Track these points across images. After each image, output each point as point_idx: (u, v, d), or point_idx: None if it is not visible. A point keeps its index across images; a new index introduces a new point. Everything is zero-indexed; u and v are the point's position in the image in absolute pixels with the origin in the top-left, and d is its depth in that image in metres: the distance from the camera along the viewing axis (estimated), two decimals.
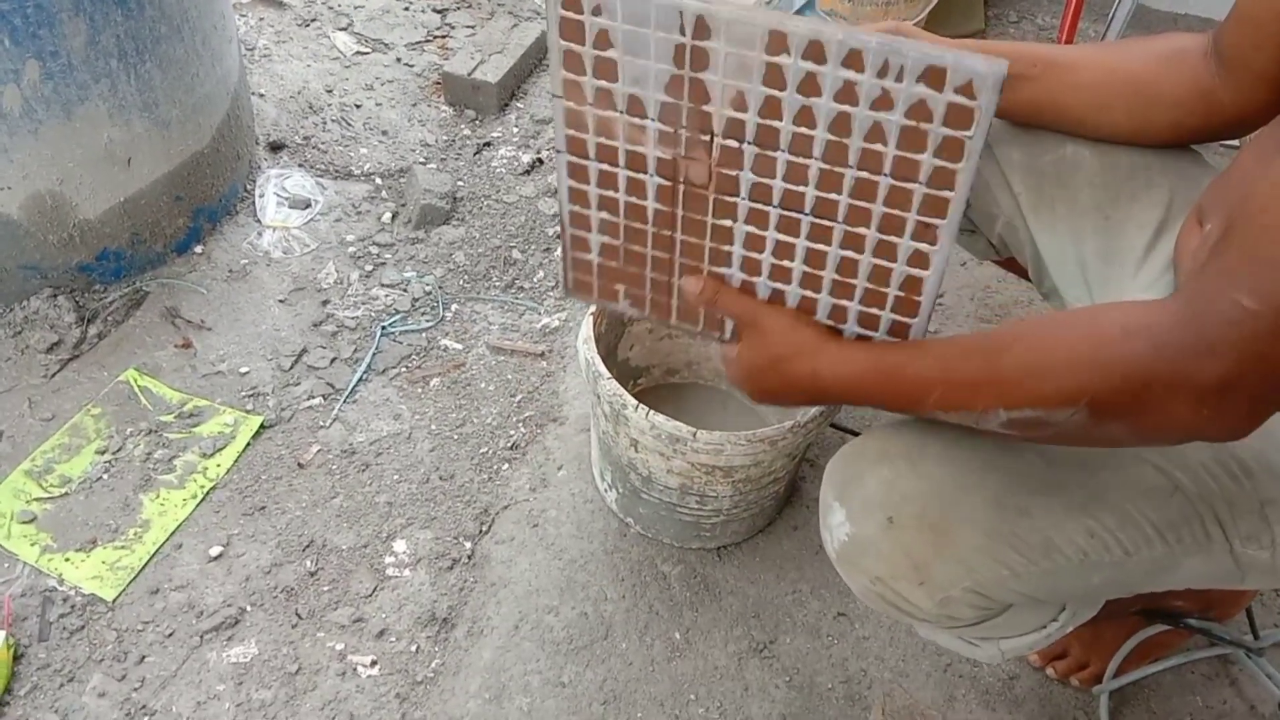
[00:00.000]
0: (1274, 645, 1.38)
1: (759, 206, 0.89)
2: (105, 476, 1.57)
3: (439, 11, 2.70)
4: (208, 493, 1.56)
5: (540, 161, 2.28)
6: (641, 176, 0.93)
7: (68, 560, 1.46)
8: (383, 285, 1.92)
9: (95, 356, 1.73)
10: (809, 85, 0.79)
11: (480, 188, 2.19)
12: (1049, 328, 0.77)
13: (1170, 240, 1.05)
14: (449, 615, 1.45)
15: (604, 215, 0.97)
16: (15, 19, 1.45)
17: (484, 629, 1.40)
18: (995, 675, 1.37)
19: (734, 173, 0.88)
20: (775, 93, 0.80)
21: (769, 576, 1.45)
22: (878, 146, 0.80)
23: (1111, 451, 0.87)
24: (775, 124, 0.83)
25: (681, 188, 0.92)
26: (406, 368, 1.79)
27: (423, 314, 1.89)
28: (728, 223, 0.92)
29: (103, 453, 1.59)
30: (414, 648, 1.41)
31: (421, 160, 2.23)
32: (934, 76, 0.74)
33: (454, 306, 1.91)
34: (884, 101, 0.77)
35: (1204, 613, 1.35)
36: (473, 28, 2.66)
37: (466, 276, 1.97)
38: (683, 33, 0.81)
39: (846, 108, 0.79)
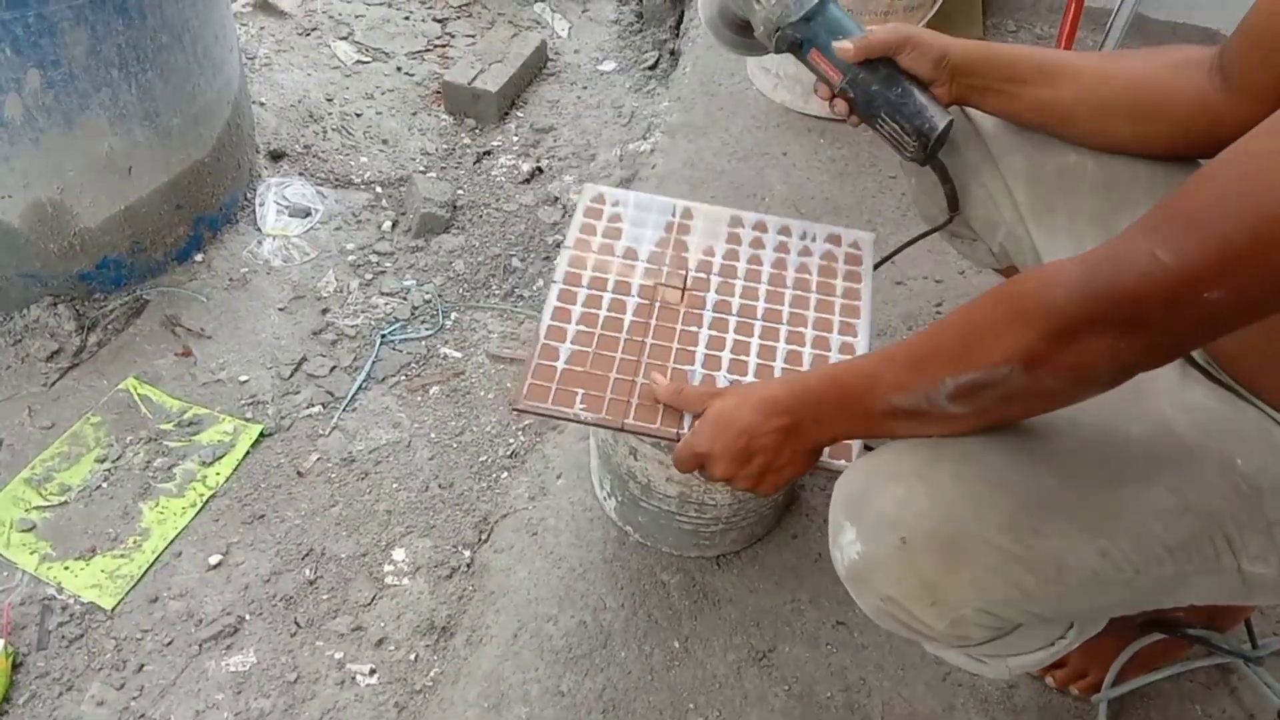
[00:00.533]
0: (1272, 654, 1.38)
1: (720, 316, 1.24)
2: (105, 485, 1.57)
3: (439, 21, 2.71)
4: (207, 501, 1.56)
5: (540, 170, 2.29)
6: (625, 298, 1.25)
7: (67, 568, 1.46)
8: (382, 293, 1.93)
9: (95, 365, 1.74)
10: (757, 243, 1.32)
11: (480, 196, 2.19)
12: (978, 298, 0.80)
13: None
14: (448, 624, 1.45)
15: (581, 328, 1.21)
16: (17, 28, 1.45)
17: (483, 638, 1.40)
18: (994, 684, 1.37)
19: (702, 294, 1.26)
20: (734, 247, 1.32)
21: (768, 585, 1.45)
22: (805, 275, 1.29)
23: (1125, 471, 0.87)
24: (734, 264, 1.30)
25: (657, 305, 1.25)
26: (406, 376, 1.79)
27: (422, 322, 1.89)
28: (694, 328, 1.22)
29: (102, 461, 1.59)
30: (413, 656, 1.41)
31: (421, 169, 2.23)
32: (834, 239, 1.33)
33: (453, 315, 1.91)
34: (806, 251, 1.32)
35: (1206, 625, 1.35)
36: (473, 37, 2.67)
37: (466, 285, 1.98)
38: (674, 215, 1.35)
39: (782, 255, 1.31)
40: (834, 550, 0.92)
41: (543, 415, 1.16)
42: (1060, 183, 1.13)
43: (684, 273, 1.28)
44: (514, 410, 1.16)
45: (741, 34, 1.24)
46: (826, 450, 1.02)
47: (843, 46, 1.11)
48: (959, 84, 1.11)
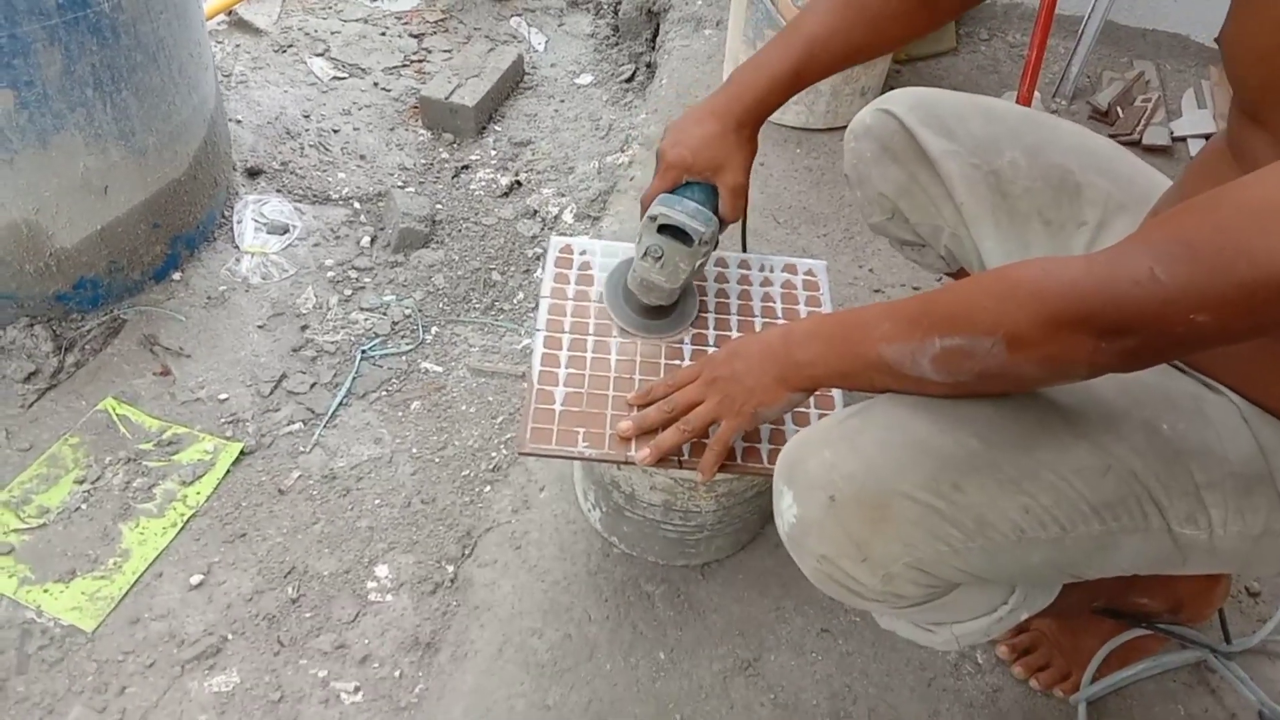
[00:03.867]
0: (1248, 651, 1.39)
1: (699, 348, 1.29)
2: (84, 506, 1.56)
3: (415, 36, 2.72)
4: (188, 521, 1.55)
5: (519, 183, 2.29)
6: (607, 339, 1.28)
7: (46, 591, 1.45)
8: (362, 309, 1.92)
9: (73, 385, 1.72)
10: (721, 278, 1.40)
11: (459, 210, 2.19)
12: (978, 275, 0.84)
13: (1111, 238, 1.11)
14: (432, 640, 1.44)
15: (570, 370, 1.24)
16: None
17: (468, 653, 1.40)
18: (979, 688, 1.38)
19: None
20: (700, 283, 1.37)
21: (752, 594, 1.46)
22: (770, 304, 1.37)
23: (1046, 433, 0.91)
24: (703, 298, 1.35)
25: (639, 342, 1.29)
26: (387, 391, 1.79)
27: (403, 337, 1.89)
28: (677, 361, 1.27)
29: (81, 482, 1.58)
30: (397, 673, 1.41)
31: (400, 184, 2.23)
32: (791, 268, 1.42)
33: (434, 329, 1.91)
34: (767, 282, 1.40)
35: (1173, 613, 1.37)
36: (449, 52, 2.68)
37: (446, 299, 1.98)
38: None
39: (746, 286, 1.39)
40: (777, 518, 0.97)
41: (549, 456, 1.18)
42: (996, 185, 1.19)
43: None
44: (521, 454, 1.21)
45: (655, 315, 1.30)
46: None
47: (733, 216, 1.23)
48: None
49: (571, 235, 2.12)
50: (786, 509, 0.94)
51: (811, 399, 1.19)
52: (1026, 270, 0.79)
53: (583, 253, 1.40)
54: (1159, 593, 1.34)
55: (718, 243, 1.21)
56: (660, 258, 1.17)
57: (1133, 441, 0.91)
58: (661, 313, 1.29)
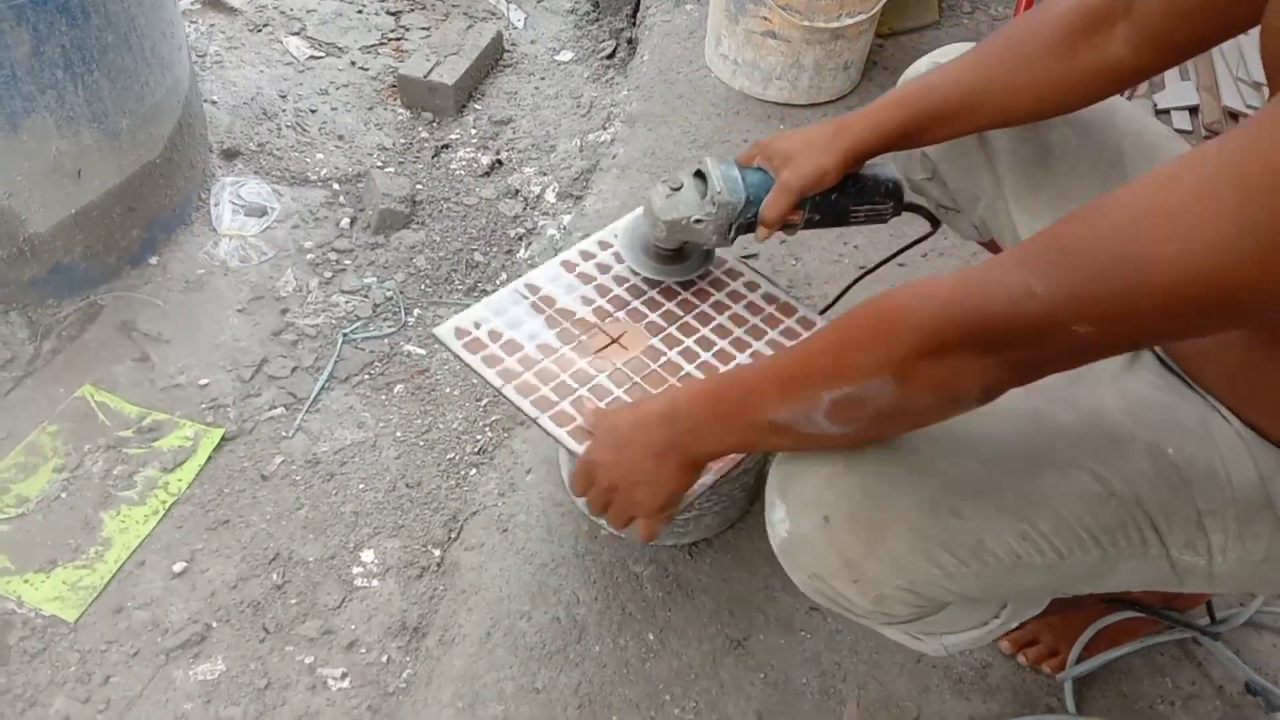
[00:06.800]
0: (1238, 627, 1.40)
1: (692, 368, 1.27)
2: (64, 495, 1.54)
3: (393, 14, 2.68)
4: (170, 508, 1.53)
5: (500, 162, 2.27)
6: (593, 374, 1.23)
7: (27, 582, 1.43)
8: (343, 292, 1.90)
9: (50, 372, 1.70)
10: (718, 283, 1.35)
11: (440, 190, 2.17)
12: (853, 310, 0.80)
13: None
14: (419, 624, 1.43)
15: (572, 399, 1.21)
16: None
17: (455, 637, 1.39)
18: (968, 665, 1.38)
19: (639, 326, 1.29)
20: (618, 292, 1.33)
21: (741, 573, 1.45)
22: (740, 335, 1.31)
23: (1049, 458, 0.88)
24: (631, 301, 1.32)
25: (629, 354, 1.27)
26: (369, 375, 1.77)
27: (384, 320, 1.87)
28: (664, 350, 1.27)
29: (61, 470, 1.56)
30: (385, 658, 1.40)
31: (379, 164, 2.21)
32: (787, 309, 1.34)
33: (416, 311, 1.89)
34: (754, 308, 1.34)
35: (1166, 605, 1.37)
36: (427, 29, 2.64)
37: (428, 280, 1.96)
38: (528, 295, 1.30)
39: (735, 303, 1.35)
40: (768, 529, 0.95)
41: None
42: (1043, 160, 1.13)
43: (604, 322, 1.30)
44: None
45: (669, 261, 1.27)
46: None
47: (769, 215, 1.13)
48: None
49: (553, 215, 2.11)
50: (779, 522, 0.92)
51: None
52: (896, 299, 0.75)
53: (476, 325, 1.27)
54: (1152, 591, 1.34)
55: (733, 226, 1.15)
56: (675, 190, 1.14)
57: (1138, 465, 0.88)
58: (662, 258, 1.27)
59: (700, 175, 1.14)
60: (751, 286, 1.37)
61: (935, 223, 1.25)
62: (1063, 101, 1.04)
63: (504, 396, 1.19)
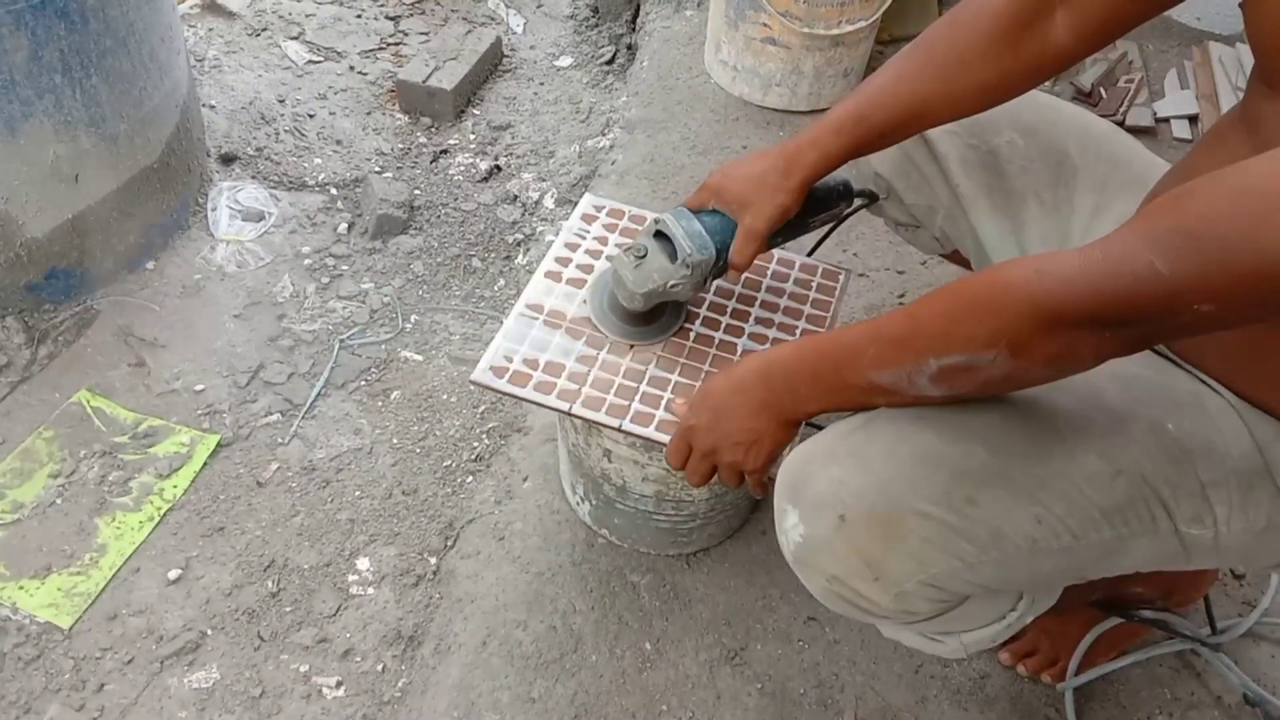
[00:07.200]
0: (1237, 638, 1.39)
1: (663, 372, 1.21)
2: (59, 501, 1.53)
3: (392, 18, 2.68)
4: (165, 514, 1.53)
5: (498, 168, 2.27)
6: (645, 366, 1.21)
7: (21, 588, 1.43)
8: (340, 297, 1.90)
9: (46, 378, 1.69)
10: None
11: (438, 196, 2.17)
12: (966, 279, 0.80)
13: (1108, 220, 1.09)
14: (415, 633, 1.43)
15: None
16: None
17: (451, 646, 1.38)
18: (966, 675, 1.37)
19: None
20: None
21: (738, 583, 1.45)
22: (769, 315, 1.28)
23: (1055, 441, 0.89)
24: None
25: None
26: (366, 381, 1.76)
27: (382, 326, 1.86)
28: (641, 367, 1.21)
29: (56, 476, 1.56)
30: (380, 667, 1.39)
31: (377, 169, 2.20)
32: (809, 269, 1.33)
33: (413, 317, 1.89)
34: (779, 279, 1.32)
35: (1163, 599, 1.36)
36: (426, 34, 2.64)
37: (426, 286, 1.95)
38: (535, 316, 1.25)
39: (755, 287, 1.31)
40: (780, 536, 0.94)
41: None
42: (994, 165, 1.16)
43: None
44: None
45: (638, 321, 1.23)
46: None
47: (739, 262, 1.12)
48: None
49: (551, 221, 2.10)
50: (791, 528, 0.91)
51: None
52: (1018, 273, 0.75)
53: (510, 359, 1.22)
54: (1153, 581, 1.34)
55: (707, 279, 1.14)
56: (641, 258, 1.14)
57: (1142, 443, 0.89)
58: (635, 320, 1.23)
59: (660, 235, 1.14)
60: None
61: (874, 197, 1.26)
62: (1008, 94, 1.05)
63: (575, 418, 1.17)
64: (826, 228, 1.26)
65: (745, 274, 1.29)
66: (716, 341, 1.24)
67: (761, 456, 0.98)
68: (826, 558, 0.90)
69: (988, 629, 1.02)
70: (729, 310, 1.28)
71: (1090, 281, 0.71)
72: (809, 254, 1.36)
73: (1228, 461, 0.90)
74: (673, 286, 1.13)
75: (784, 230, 1.15)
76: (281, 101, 2.31)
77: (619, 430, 1.14)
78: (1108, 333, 0.72)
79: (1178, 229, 0.68)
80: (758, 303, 1.29)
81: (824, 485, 0.89)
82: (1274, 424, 0.91)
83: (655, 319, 1.24)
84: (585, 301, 1.26)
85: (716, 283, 1.29)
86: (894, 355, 0.83)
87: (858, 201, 1.24)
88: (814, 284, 1.32)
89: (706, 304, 1.28)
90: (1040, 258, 0.76)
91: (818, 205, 1.17)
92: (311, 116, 2.30)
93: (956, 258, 1.31)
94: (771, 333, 1.26)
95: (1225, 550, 0.92)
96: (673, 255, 1.12)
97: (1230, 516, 0.90)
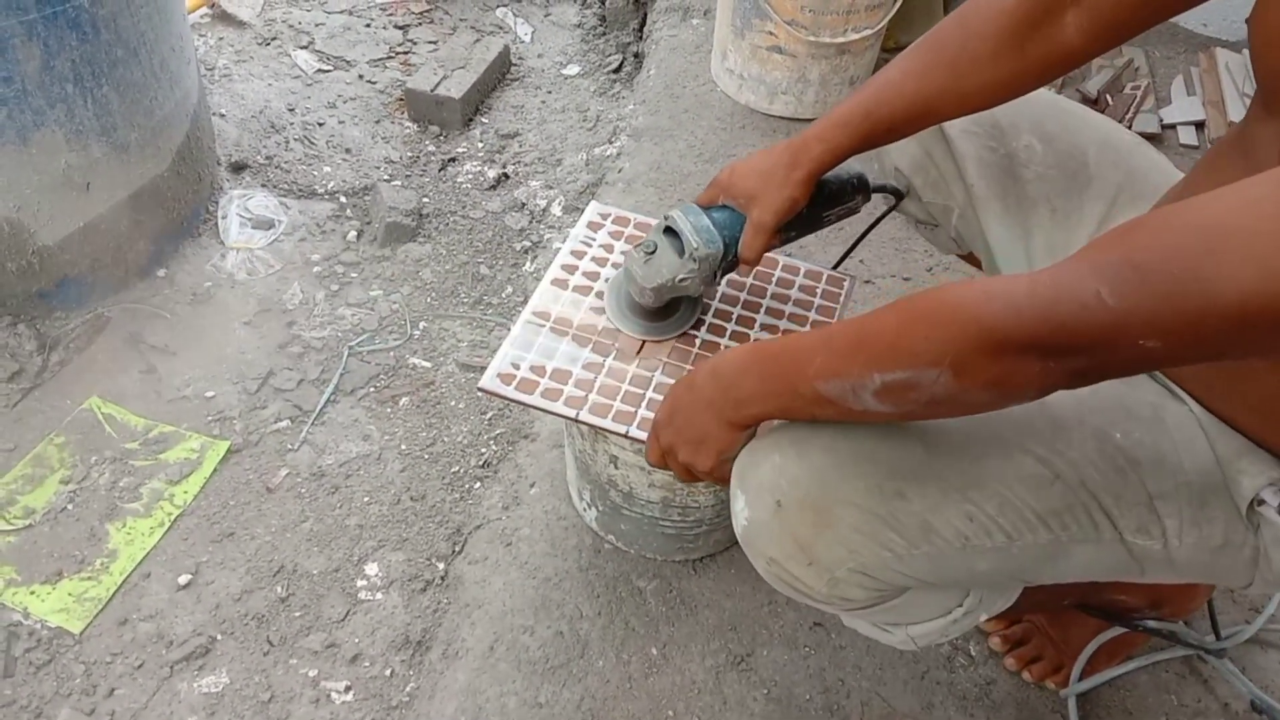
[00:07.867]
0: (1243, 644, 1.39)
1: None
2: (70, 506, 1.54)
3: (400, 28, 2.70)
4: (175, 520, 1.54)
5: (506, 176, 2.28)
6: (651, 373, 1.21)
7: (33, 593, 1.44)
8: (349, 304, 1.91)
9: (58, 384, 1.71)
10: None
11: (446, 204, 2.18)
12: (918, 294, 0.80)
13: None
14: (423, 638, 1.43)
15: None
16: None
17: (459, 651, 1.39)
18: (972, 681, 1.37)
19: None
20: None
21: (744, 588, 1.45)
22: (778, 311, 1.30)
23: (994, 443, 0.90)
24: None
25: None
26: (375, 387, 1.77)
27: (390, 333, 1.87)
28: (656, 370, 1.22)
29: (67, 482, 1.57)
30: (388, 672, 1.40)
31: (386, 177, 2.22)
32: (814, 275, 1.34)
33: (422, 324, 1.90)
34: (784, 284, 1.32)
35: (1154, 609, 1.36)
36: (435, 43, 2.65)
37: (434, 294, 1.96)
38: (541, 323, 1.26)
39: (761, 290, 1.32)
40: (732, 518, 0.96)
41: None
42: (1010, 168, 1.16)
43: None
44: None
45: (653, 317, 1.25)
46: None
47: (749, 255, 1.12)
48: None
49: (559, 229, 2.11)
50: (739, 511, 0.94)
51: None
52: (968, 293, 0.75)
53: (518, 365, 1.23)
54: (1136, 591, 1.33)
55: (716, 273, 1.15)
56: (651, 254, 1.16)
57: (1083, 449, 0.90)
58: (651, 315, 1.25)
59: (670, 231, 1.15)
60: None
61: (900, 194, 1.25)
62: (1016, 93, 1.05)
63: (582, 424, 1.17)
64: (856, 237, 1.27)
65: (752, 279, 1.30)
66: (722, 348, 1.24)
67: (709, 457, 0.97)
68: (765, 541, 0.92)
69: (934, 623, 1.04)
70: (734, 317, 1.27)
71: (1036, 307, 0.70)
72: (834, 266, 1.36)
73: (1179, 475, 0.90)
74: (681, 281, 1.14)
75: (796, 224, 1.15)
76: (291, 110, 2.33)
77: (625, 436, 1.15)
78: (1051, 362, 0.71)
79: (1126, 261, 0.67)
80: (763, 309, 1.29)
81: (766, 472, 0.91)
82: (1240, 440, 0.91)
83: (670, 314, 1.25)
84: (600, 295, 1.28)
85: (723, 290, 1.30)
86: (840, 366, 0.82)
87: (886, 199, 1.24)
88: (819, 290, 1.32)
89: (713, 311, 1.28)
90: (992, 280, 0.75)
91: (830, 199, 1.17)
92: (321, 125, 2.31)
93: (972, 259, 1.31)
94: None
95: (1180, 564, 0.92)
96: (681, 250, 1.13)
97: (1181, 530, 0.90)
